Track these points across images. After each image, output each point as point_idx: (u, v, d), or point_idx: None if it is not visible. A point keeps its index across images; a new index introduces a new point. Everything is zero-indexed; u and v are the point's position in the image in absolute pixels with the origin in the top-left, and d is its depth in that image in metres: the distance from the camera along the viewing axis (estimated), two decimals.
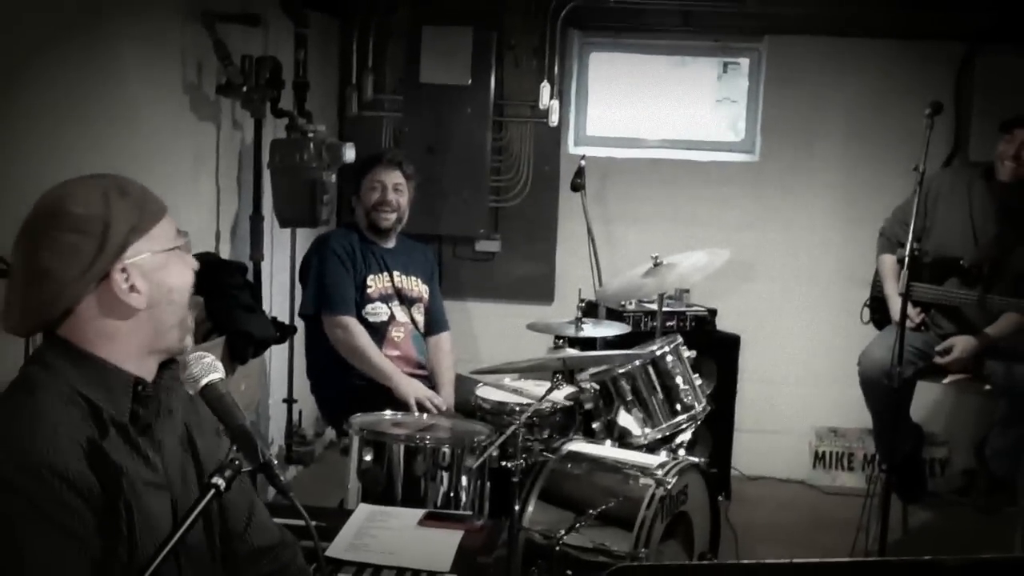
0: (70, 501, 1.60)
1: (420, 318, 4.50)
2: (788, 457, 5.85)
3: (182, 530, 1.58)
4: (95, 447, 1.66)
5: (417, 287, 4.51)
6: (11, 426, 1.63)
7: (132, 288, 1.74)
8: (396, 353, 4.34)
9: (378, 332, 4.33)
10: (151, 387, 1.78)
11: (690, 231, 5.71)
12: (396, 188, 4.43)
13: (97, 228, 1.71)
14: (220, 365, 1.75)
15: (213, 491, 1.60)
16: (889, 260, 4.75)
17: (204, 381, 1.73)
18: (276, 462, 1.62)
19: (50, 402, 1.67)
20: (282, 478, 1.65)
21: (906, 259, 3.98)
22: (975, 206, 4.63)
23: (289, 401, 5.15)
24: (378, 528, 2.65)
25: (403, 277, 4.47)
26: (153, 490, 1.75)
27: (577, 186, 5.26)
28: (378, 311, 4.36)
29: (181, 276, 1.83)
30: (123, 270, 1.73)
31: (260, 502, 2.03)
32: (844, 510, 4.95)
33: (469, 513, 3.36)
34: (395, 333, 4.38)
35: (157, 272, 1.77)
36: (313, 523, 1.72)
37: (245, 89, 4.36)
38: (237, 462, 1.64)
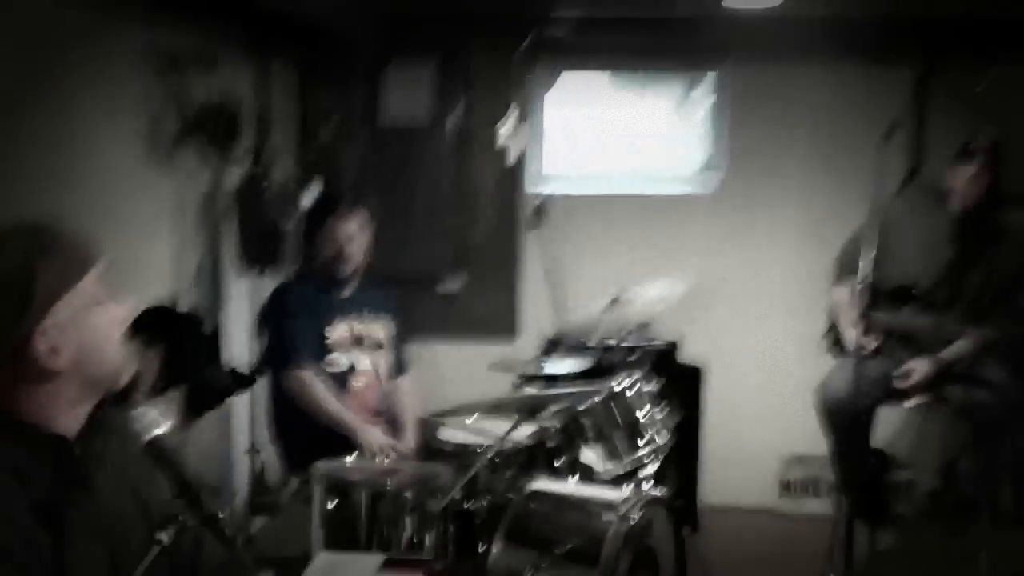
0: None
1: (382, 364, 4.49)
2: (755, 486, 5.86)
3: None
4: (21, 509, 1.62)
5: (380, 332, 4.49)
6: None
7: (53, 350, 1.68)
8: (357, 402, 4.32)
9: (339, 382, 4.32)
10: (75, 444, 1.73)
11: (651, 263, 5.72)
12: (353, 237, 4.40)
13: (17, 291, 1.65)
14: (162, 420, 1.74)
15: (157, 547, 1.58)
16: (843, 290, 4.79)
17: (147, 437, 1.72)
18: (222, 516, 1.62)
19: None
20: (227, 532, 1.64)
21: (859, 287, 4.02)
22: (928, 232, 4.66)
23: (252, 451, 5.11)
24: None
25: (363, 324, 4.45)
26: (87, 539, 1.71)
27: (534, 224, 5.28)
28: (338, 362, 4.34)
29: (106, 331, 1.77)
30: (44, 333, 1.67)
31: (209, 545, 1.94)
32: (813, 537, 4.96)
33: (430, 559, 3.35)
34: (355, 383, 4.36)
35: (82, 330, 1.71)
36: (266, 574, 1.71)
37: (203, 137, 4.36)
38: (181, 517, 1.63)
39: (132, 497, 1.86)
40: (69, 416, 1.74)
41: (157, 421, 1.75)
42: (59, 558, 1.65)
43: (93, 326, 1.73)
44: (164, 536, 1.60)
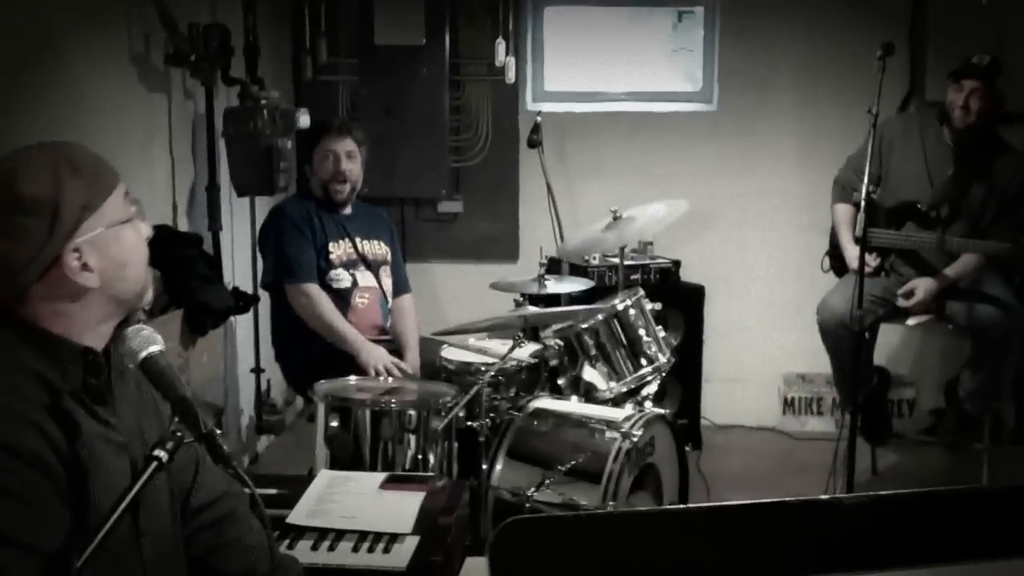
0: (23, 472, 1.59)
1: (388, 281, 4.48)
2: (757, 405, 5.88)
3: (126, 502, 1.58)
4: (47, 419, 1.64)
5: (381, 250, 4.49)
6: None
7: (85, 267, 1.71)
8: (360, 319, 4.32)
9: (342, 298, 4.31)
10: (101, 355, 1.76)
11: (650, 183, 5.69)
12: (349, 155, 4.38)
13: (48, 209, 1.67)
14: (158, 337, 1.74)
15: (155, 463, 1.59)
16: (843, 209, 4.76)
17: (143, 354, 1.71)
18: (219, 432, 1.61)
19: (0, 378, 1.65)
20: (225, 448, 1.64)
21: (862, 204, 4.00)
22: (929, 150, 4.63)
23: (257, 371, 5.13)
24: (339, 493, 2.65)
25: (365, 242, 4.44)
26: (113, 451, 1.74)
27: (533, 143, 5.24)
28: (341, 277, 4.33)
29: (135, 247, 1.80)
30: (75, 250, 1.70)
31: (207, 459, 1.98)
32: (815, 455, 5.00)
33: (430, 474, 3.37)
34: (359, 299, 4.36)
35: (110, 247, 1.74)
36: (269, 491, 1.73)
37: (194, 58, 4.30)
38: (179, 433, 1.63)
39: (151, 414, 1.89)
40: (97, 333, 1.77)
41: (151, 339, 1.74)
42: (81, 467, 1.67)
43: (121, 244, 1.76)
44: (162, 453, 1.60)
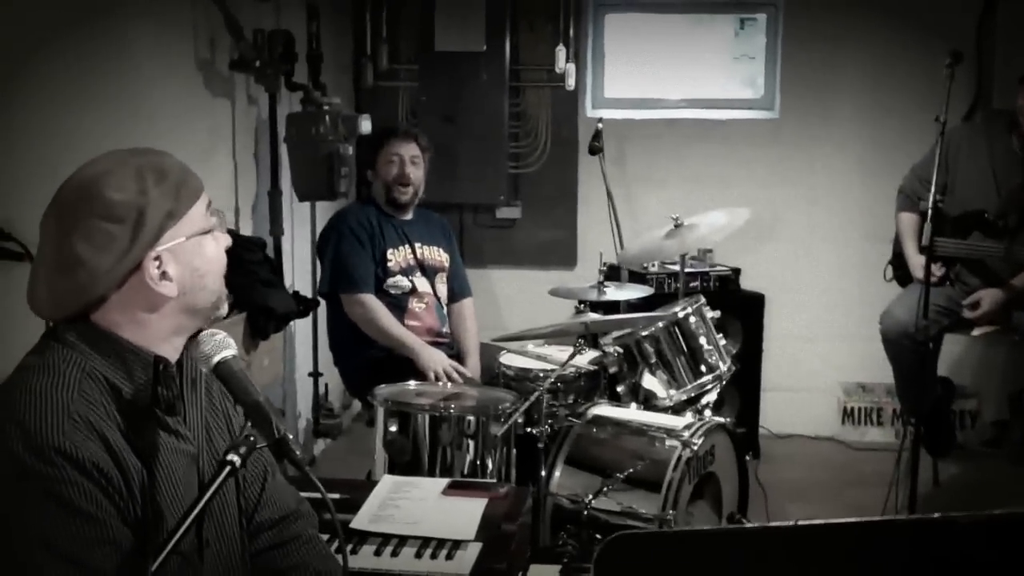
0: (81, 483, 1.57)
1: (443, 288, 4.49)
2: (816, 414, 5.83)
3: (198, 508, 1.56)
4: (113, 429, 1.63)
5: (439, 256, 4.49)
6: (24, 408, 1.60)
7: (164, 275, 1.70)
8: (418, 324, 4.33)
9: (399, 305, 4.32)
10: (173, 366, 1.74)
11: (710, 191, 5.66)
12: (413, 161, 4.40)
13: (132, 216, 1.66)
14: (232, 342, 1.73)
15: (228, 468, 1.58)
16: (908, 218, 4.71)
17: (216, 359, 1.71)
18: (292, 437, 1.61)
19: (65, 383, 1.63)
20: (298, 452, 1.63)
21: (929, 213, 3.95)
22: (997, 158, 4.57)
23: (315, 374, 5.16)
24: (402, 499, 2.65)
25: (424, 248, 4.45)
26: (184, 463, 1.74)
27: (595, 149, 5.22)
28: (400, 284, 4.34)
29: (215, 258, 1.79)
30: (156, 258, 1.69)
31: (278, 475, 2.00)
32: (874, 466, 4.94)
33: (493, 481, 3.36)
34: (417, 305, 4.37)
35: (190, 256, 1.73)
36: (332, 495, 1.71)
37: (258, 64, 4.35)
38: (252, 438, 1.62)
39: (222, 425, 1.88)
40: (171, 345, 1.75)
41: (225, 343, 1.73)
42: (147, 481, 1.66)
43: (201, 254, 1.75)
44: (235, 457, 1.59)
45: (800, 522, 1.26)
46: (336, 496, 2.56)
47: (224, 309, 1.83)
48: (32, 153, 2.98)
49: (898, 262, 4.86)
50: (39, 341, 1.73)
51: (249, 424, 1.64)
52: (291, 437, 1.63)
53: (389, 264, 4.33)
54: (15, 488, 1.56)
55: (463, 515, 2.53)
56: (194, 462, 1.77)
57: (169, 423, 1.73)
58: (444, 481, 2.82)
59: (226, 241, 1.84)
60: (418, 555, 2.41)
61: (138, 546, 1.63)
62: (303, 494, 2.09)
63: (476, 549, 2.42)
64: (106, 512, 1.59)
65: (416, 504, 2.62)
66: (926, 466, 4.81)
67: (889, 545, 1.26)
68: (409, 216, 4.46)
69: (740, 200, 5.04)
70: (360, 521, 2.50)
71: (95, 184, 1.67)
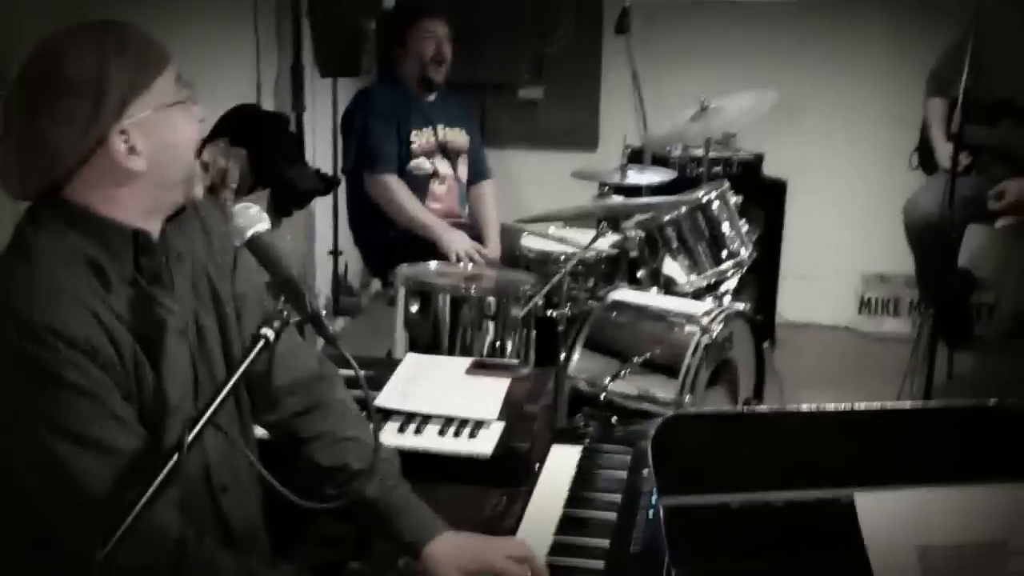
0: (77, 361, 1.57)
1: (463, 169, 4.47)
2: (834, 303, 5.83)
3: (232, 381, 1.56)
4: (100, 305, 1.63)
5: (459, 138, 4.47)
6: (10, 291, 1.59)
7: (132, 150, 1.66)
8: (439, 206, 4.33)
9: (421, 186, 4.31)
10: (154, 237, 1.73)
11: (737, 72, 5.55)
12: (444, 39, 4.34)
13: (92, 90, 1.61)
14: (266, 216, 1.71)
15: (263, 342, 1.58)
16: (937, 104, 4.63)
17: (250, 232, 1.69)
18: (324, 312, 1.61)
19: (48, 263, 1.62)
20: (330, 328, 1.63)
21: (959, 100, 3.88)
22: None
23: (335, 253, 5.17)
24: (426, 377, 2.67)
25: (446, 129, 4.42)
26: (174, 336, 1.73)
27: (622, 28, 5.13)
28: (422, 166, 4.33)
29: (185, 131, 1.74)
30: (122, 132, 1.65)
31: (295, 337, 1.95)
32: (890, 356, 4.96)
33: (515, 362, 3.39)
34: (438, 187, 4.36)
35: (159, 130, 1.68)
36: (362, 372, 1.71)
37: None
38: (285, 312, 1.62)
39: (209, 290, 1.85)
40: (147, 222, 1.72)
41: (259, 217, 1.71)
42: (141, 355, 1.66)
43: (171, 127, 1.70)
44: (269, 331, 1.58)
45: (862, 406, 1.27)
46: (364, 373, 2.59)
47: (199, 192, 1.79)
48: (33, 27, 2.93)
49: (924, 149, 4.80)
50: (14, 230, 1.70)
51: (282, 299, 1.64)
52: (323, 312, 1.63)
53: (412, 146, 4.30)
54: (12, 373, 1.57)
55: (486, 395, 2.55)
56: (183, 336, 1.76)
57: (156, 295, 1.71)
58: (467, 360, 2.84)
59: (198, 115, 1.78)
60: (441, 433, 2.43)
61: (141, 419, 1.65)
62: None
63: (499, 428, 2.44)
64: (105, 387, 1.60)
65: (440, 382, 2.64)
66: (941, 359, 4.83)
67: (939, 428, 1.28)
68: (432, 97, 4.42)
69: (765, 82, 4.95)
70: (384, 399, 2.52)
71: (53, 58, 1.63)
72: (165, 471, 1.46)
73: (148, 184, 1.69)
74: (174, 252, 1.78)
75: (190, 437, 1.49)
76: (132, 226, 1.69)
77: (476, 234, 4.33)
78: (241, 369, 1.57)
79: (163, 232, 1.76)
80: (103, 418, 1.59)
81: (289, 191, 3.94)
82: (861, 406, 1.27)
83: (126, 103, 1.64)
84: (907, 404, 1.28)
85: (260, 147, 3.84)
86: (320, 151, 5.01)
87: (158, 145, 1.68)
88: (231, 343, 1.86)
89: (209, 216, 1.90)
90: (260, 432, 2.02)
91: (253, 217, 1.70)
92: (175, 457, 1.47)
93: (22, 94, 1.66)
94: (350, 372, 1.73)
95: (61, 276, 1.61)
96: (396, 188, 4.22)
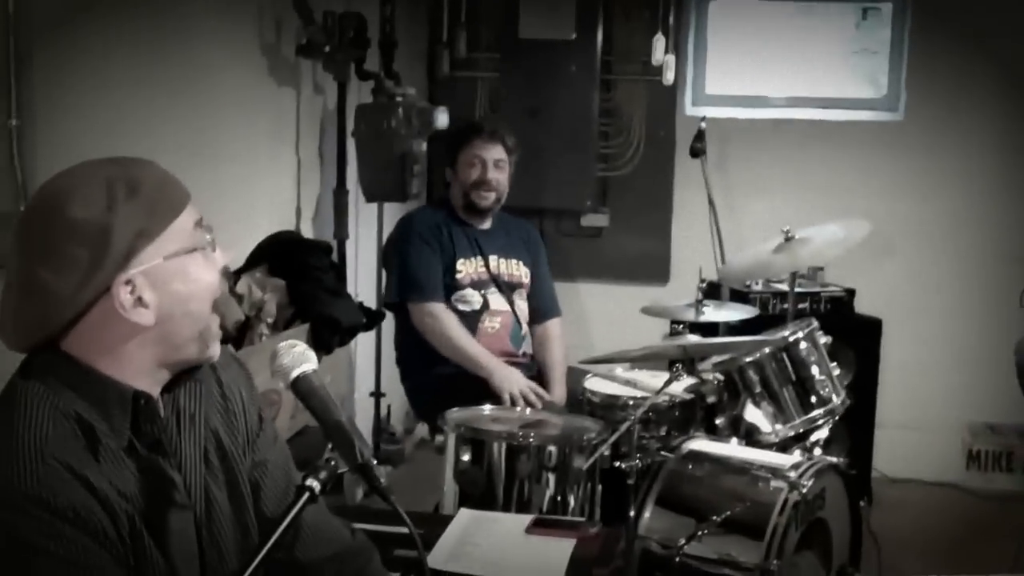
0: (63, 532, 1.55)
1: (523, 305, 4.50)
2: (938, 457, 5.76)
3: (272, 539, 1.56)
4: (91, 469, 1.60)
5: (518, 271, 4.50)
6: None
7: (138, 301, 1.65)
8: (487, 346, 4.32)
9: (469, 322, 4.33)
10: (155, 400, 1.72)
11: (824, 201, 5.62)
12: (497, 165, 4.40)
13: (96, 236, 1.61)
14: (312, 355, 1.72)
15: (307, 495, 1.58)
16: None
17: (296, 373, 1.71)
18: (375, 462, 1.62)
19: (35, 423, 1.60)
20: (382, 480, 1.64)
21: None
22: None
23: (377, 395, 5.19)
24: (482, 536, 2.66)
25: (501, 261, 4.46)
26: (174, 510, 1.70)
27: (697, 151, 5.22)
28: (470, 299, 4.36)
29: (199, 281, 1.71)
30: (127, 282, 1.64)
31: (319, 510, 1.93)
32: (1003, 516, 4.87)
33: (582, 520, 3.36)
34: (489, 323, 4.38)
35: (170, 280, 1.67)
36: (417, 531, 1.71)
37: (327, 49, 4.41)
38: (333, 463, 1.62)
39: (219, 453, 1.83)
40: (152, 379, 1.72)
41: (305, 356, 1.72)
42: (137, 530, 1.64)
43: (183, 276, 1.69)
44: (314, 482, 1.58)
45: None
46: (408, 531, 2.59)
47: (216, 352, 1.77)
48: (92, 144, 3.03)
49: None
50: (8, 382, 1.69)
51: (329, 447, 1.65)
52: (375, 463, 1.63)
53: (458, 275, 4.34)
54: None
55: (550, 556, 2.54)
56: (187, 509, 1.73)
57: (152, 463, 1.69)
58: (526, 518, 2.82)
59: (219, 262, 1.76)
60: None
61: None
62: (364, 526, 2.08)
63: None
64: (98, 558, 1.58)
65: (498, 542, 2.63)
66: None
67: None
68: (487, 224, 4.47)
69: (856, 212, 5.00)
70: (437, 558, 2.51)
71: (58, 200, 1.63)
72: None
73: (155, 340, 1.68)
74: (185, 415, 1.77)
75: None
76: (133, 387, 1.68)
77: (534, 375, 4.34)
78: (283, 525, 1.57)
79: (172, 392, 1.75)
80: None
81: (331, 326, 3.98)
82: None
83: (133, 251, 1.64)
84: None
85: (300, 278, 3.90)
86: (363, 282, 5.08)
87: (168, 297, 1.67)
88: (245, 518, 1.84)
89: (226, 373, 1.89)
90: None
91: (299, 356, 1.72)
92: None
93: (23, 236, 1.66)
94: (400, 529, 1.72)
95: (50, 437, 1.59)
96: (443, 317, 4.25)
